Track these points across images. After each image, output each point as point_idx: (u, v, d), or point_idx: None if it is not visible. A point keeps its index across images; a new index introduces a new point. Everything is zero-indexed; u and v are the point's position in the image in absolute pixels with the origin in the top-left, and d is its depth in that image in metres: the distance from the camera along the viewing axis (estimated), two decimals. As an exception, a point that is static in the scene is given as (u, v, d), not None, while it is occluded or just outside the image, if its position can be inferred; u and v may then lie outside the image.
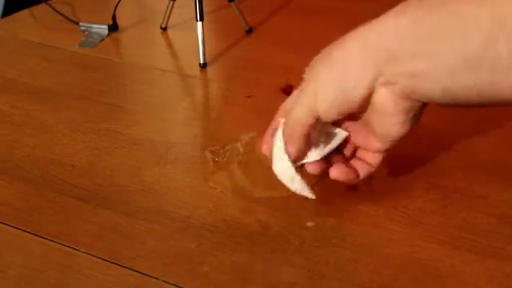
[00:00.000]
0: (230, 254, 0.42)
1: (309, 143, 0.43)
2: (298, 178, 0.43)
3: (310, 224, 0.44)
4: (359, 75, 0.37)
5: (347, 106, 0.39)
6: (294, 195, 0.47)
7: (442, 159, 0.52)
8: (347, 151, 0.45)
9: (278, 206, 0.46)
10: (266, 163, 0.48)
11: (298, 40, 0.77)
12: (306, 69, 0.41)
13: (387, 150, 0.43)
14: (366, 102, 0.38)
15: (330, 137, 0.44)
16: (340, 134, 0.43)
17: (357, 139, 0.44)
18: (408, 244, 0.42)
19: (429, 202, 0.46)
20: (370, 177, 0.49)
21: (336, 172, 0.43)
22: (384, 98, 0.37)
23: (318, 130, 0.43)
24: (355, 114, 0.41)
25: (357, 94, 0.38)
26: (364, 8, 0.86)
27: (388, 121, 0.39)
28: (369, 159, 0.44)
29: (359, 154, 0.45)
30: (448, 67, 0.34)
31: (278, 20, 0.86)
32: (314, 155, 0.43)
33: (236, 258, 0.41)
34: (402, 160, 0.51)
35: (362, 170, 0.44)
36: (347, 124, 0.43)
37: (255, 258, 0.41)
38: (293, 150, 0.42)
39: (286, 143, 0.42)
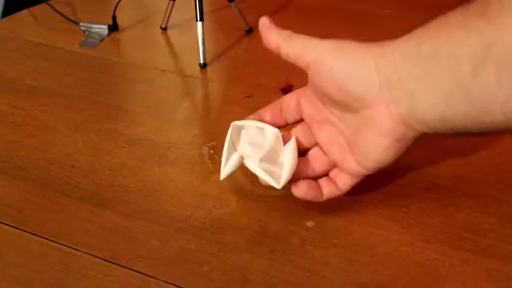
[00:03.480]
0: (230, 254, 0.42)
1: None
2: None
3: (309, 224, 0.44)
4: (366, 80, 0.37)
5: (344, 84, 0.39)
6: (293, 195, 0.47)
7: (442, 159, 0.52)
8: (320, 167, 0.45)
9: (278, 206, 0.46)
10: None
11: (298, 40, 0.77)
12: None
13: (359, 177, 0.42)
14: (363, 103, 0.38)
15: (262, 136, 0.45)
16: (271, 131, 0.44)
17: (333, 152, 0.43)
18: (408, 244, 0.42)
19: (429, 202, 0.46)
20: (370, 177, 0.49)
21: (297, 191, 0.43)
22: (381, 115, 0.38)
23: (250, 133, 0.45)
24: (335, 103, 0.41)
25: (355, 85, 0.38)
26: (364, 8, 0.86)
27: (375, 139, 0.39)
28: (339, 182, 0.43)
29: (332, 174, 0.44)
30: (443, 91, 0.34)
31: (278, 20, 0.85)
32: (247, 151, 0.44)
33: (236, 257, 0.41)
34: (401, 160, 0.51)
35: (328, 191, 0.44)
36: (327, 133, 0.43)
37: (255, 258, 0.41)
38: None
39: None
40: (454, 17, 0.34)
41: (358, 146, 0.41)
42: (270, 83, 0.66)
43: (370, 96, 0.38)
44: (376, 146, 0.39)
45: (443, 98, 0.35)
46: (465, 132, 0.36)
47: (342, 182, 0.43)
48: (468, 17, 0.33)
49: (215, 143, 0.55)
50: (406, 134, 0.38)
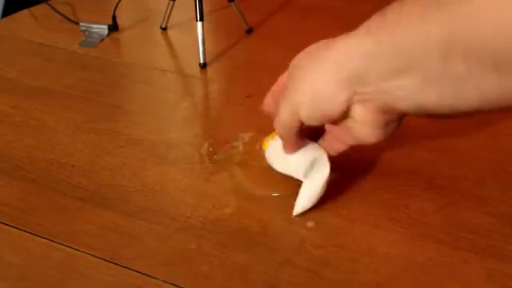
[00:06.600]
0: (229, 254, 0.42)
1: (302, 135, 0.44)
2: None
3: (309, 224, 0.44)
4: (334, 95, 0.38)
5: (326, 119, 0.41)
6: (294, 195, 0.47)
7: (442, 159, 0.52)
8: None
9: (277, 206, 0.46)
10: (265, 162, 0.48)
11: (298, 40, 0.77)
12: (291, 64, 0.43)
13: None
14: (345, 114, 0.40)
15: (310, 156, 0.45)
16: (321, 158, 0.45)
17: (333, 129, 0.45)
18: (408, 244, 0.42)
19: (429, 202, 0.46)
20: (370, 177, 0.49)
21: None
22: (362, 114, 0.39)
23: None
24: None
25: (333, 111, 0.39)
26: (364, 8, 0.86)
27: (366, 130, 0.41)
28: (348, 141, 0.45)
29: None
30: (414, 85, 0.35)
31: (278, 20, 0.86)
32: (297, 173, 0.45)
33: (236, 257, 0.41)
34: (401, 160, 0.51)
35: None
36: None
37: (255, 257, 0.41)
38: (287, 148, 0.45)
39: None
40: (412, 6, 0.33)
41: (353, 135, 0.42)
42: (270, 83, 0.66)
43: (346, 106, 0.39)
44: (367, 134, 0.41)
45: (415, 92, 0.35)
46: (444, 117, 0.37)
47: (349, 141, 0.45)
48: (426, 6, 0.33)
49: (214, 141, 0.55)
50: (391, 117, 0.39)
